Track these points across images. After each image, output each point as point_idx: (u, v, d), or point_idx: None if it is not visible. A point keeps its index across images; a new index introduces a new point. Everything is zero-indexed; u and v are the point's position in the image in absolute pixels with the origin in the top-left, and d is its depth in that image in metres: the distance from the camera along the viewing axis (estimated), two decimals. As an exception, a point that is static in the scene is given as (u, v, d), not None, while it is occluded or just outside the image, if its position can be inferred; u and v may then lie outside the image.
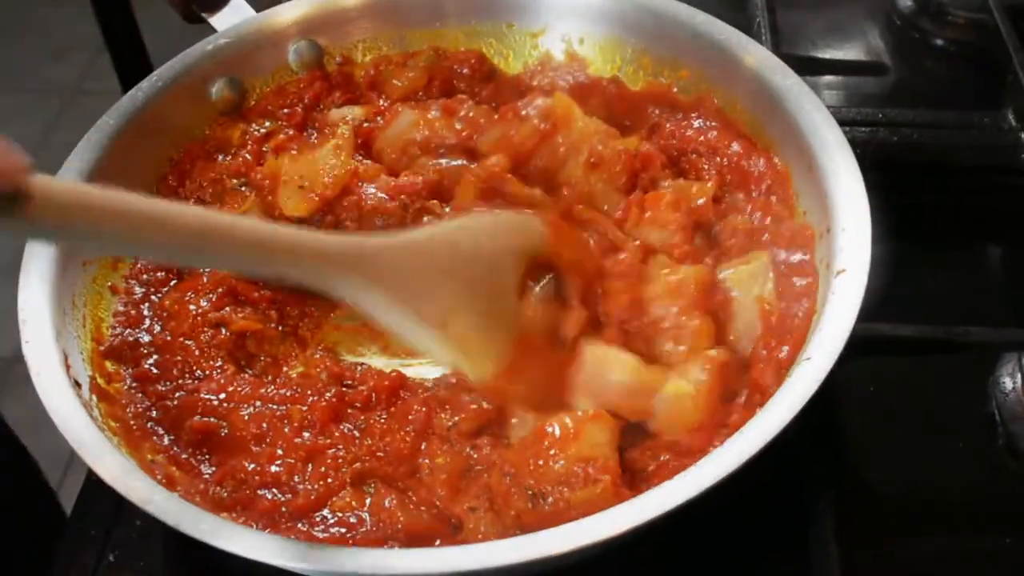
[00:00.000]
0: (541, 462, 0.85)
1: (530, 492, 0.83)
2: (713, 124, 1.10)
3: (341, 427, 0.93)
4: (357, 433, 0.93)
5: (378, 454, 0.90)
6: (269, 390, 0.95)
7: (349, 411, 0.95)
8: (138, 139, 1.09)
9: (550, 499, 0.82)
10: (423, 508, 0.87)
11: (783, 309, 0.93)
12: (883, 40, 1.48)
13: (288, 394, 0.95)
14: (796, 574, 0.92)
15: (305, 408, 0.93)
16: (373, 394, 0.95)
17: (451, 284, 0.86)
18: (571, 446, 0.85)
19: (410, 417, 0.92)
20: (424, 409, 0.93)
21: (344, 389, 0.97)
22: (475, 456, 0.90)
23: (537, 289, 0.94)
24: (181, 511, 0.78)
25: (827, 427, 0.96)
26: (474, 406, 0.92)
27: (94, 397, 0.91)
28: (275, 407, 0.94)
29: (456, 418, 0.92)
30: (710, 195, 1.04)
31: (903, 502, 0.98)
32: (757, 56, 1.07)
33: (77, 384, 0.89)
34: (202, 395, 0.94)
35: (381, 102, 1.21)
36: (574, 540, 0.73)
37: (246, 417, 0.93)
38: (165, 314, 1.02)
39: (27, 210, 0.64)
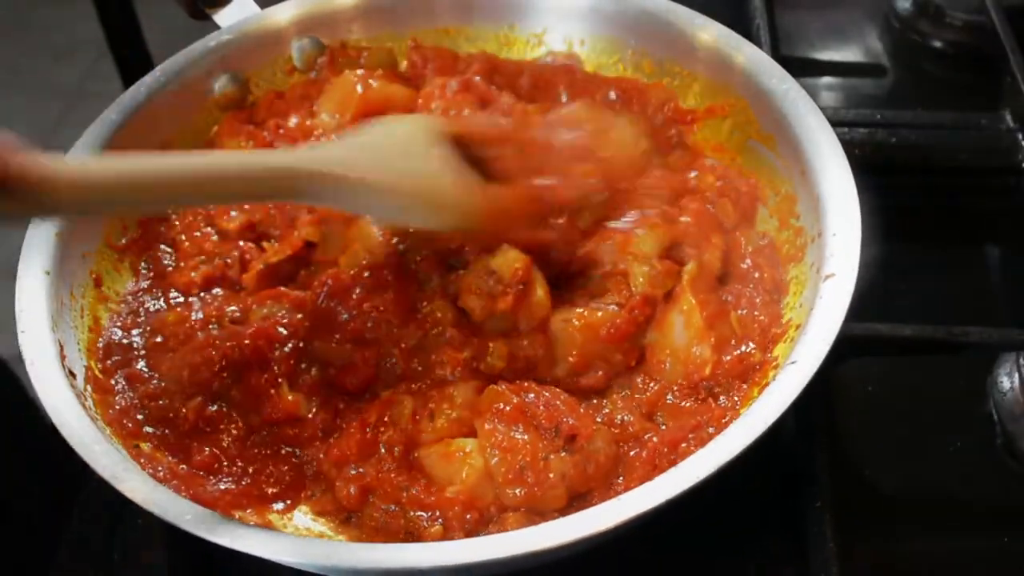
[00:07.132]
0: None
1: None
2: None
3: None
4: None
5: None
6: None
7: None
8: (140, 134, 1.10)
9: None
10: None
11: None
12: (881, 42, 1.49)
13: None
14: (795, 573, 0.91)
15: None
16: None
17: (407, 163, 0.94)
18: None
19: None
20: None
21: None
22: None
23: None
24: (167, 501, 0.79)
25: (826, 426, 0.96)
26: None
27: (88, 387, 0.92)
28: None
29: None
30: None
31: (901, 501, 0.98)
32: (754, 59, 1.08)
33: (72, 374, 0.90)
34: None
35: None
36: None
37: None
38: (166, 328, 1.01)
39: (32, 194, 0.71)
